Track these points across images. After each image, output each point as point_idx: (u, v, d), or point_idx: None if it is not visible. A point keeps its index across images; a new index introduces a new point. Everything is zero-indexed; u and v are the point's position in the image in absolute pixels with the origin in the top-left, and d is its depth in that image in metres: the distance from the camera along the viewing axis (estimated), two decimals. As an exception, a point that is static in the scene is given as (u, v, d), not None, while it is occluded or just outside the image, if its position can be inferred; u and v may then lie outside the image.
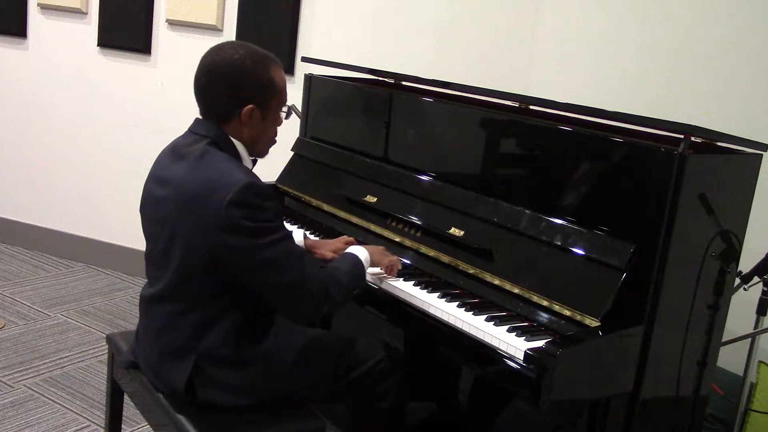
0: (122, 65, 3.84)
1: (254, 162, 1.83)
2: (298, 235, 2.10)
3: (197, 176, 1.63)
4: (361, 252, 1.88)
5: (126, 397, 2.02)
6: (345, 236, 2.17)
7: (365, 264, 1.86)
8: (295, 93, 2.80)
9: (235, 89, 1.69)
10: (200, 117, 1.76)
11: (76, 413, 2.62)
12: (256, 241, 1.59)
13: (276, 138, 1.84)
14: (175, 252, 1.66)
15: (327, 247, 2.09)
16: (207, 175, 1.62)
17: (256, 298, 1.70)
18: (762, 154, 1.96)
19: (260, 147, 1.80)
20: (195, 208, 1.60)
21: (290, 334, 1.81)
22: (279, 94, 1.75)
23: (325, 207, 2.40)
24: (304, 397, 1.81)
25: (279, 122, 1.81)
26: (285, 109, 1.81)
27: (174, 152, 1.74)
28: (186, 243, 1.63)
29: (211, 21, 3.56)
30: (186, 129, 1.79)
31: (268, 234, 1.60)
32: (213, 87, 1.70)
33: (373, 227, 2.23)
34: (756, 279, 2.01)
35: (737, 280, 2.00)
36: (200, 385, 1.69)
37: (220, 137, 1.71)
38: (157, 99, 3.79)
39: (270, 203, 1.62)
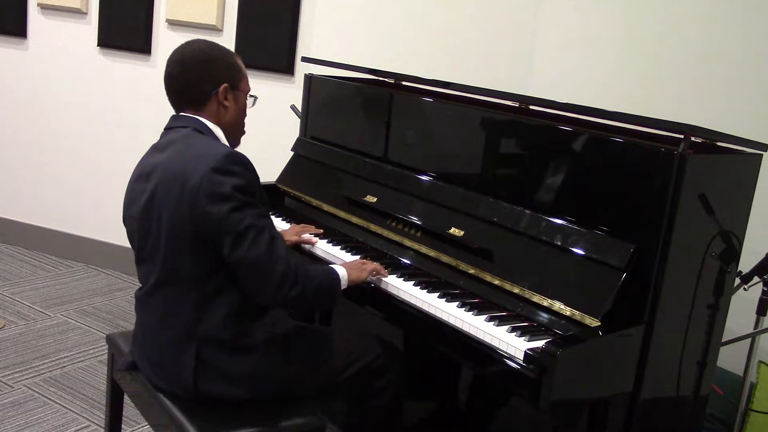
0: (122, 65, 3.84)
1: None
2: None
3: (181, 156, 1.69)
4: (339, 270, 1.87)
5: (126, 397, 2.02)
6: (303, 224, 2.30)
7: (342, 282, 1.85)
8: (295, 93, 2.81)
9: (209, 70, 1.80)
10: (175, 114, 1.84)
11: (76, 413, 2.62)
12: (236, 212, 1.62)
13: (245, 129, 1.93)
14: (163, 234, 1.69)
15: (288, 234, 2.21)
16: (190, 153, 1.69)
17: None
18: (762, 154, 1.96)
19: (235, 132, 1.89)
20: (180, 182, 1.65)
21: (289, 327, 1.82)
22: (245, 79, 1.88)
23: (325, 207, 2.40)
24: (302, 391, 1.81)
25: (245, 112, 1.91)
26: (251, 101, 1.92)
27: (154, 148, 1.81)
28: (172, 219, 1.66)
29: (211, 21, 3.56)
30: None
31: (247, 207, 1.64)
32: (188, 73, 1.79)
33: (373, 227, 2.23)
34: (756, 279, 2.01)
35: (737, 280, 2.00)
36: (202, 376, 1.70)
37: (199, 124, 1.79)
38: (157, 99, 3.77)
39: (251, 174, 1.69)
